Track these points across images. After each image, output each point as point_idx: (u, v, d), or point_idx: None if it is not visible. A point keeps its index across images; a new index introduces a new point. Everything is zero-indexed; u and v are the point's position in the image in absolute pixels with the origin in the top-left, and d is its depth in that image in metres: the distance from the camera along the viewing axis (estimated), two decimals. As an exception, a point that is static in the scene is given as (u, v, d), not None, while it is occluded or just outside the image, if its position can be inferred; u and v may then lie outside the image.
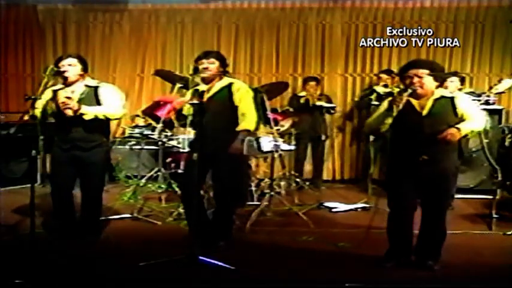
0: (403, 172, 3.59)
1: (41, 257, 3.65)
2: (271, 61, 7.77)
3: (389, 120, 3.50)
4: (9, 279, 3.26)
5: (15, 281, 3.24)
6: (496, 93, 5.39)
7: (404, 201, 3.65)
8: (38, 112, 3.94)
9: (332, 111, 7.10)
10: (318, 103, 6.85)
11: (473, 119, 3.51)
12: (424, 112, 3.52)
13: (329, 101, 7.13)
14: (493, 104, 6.35)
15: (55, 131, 4.13)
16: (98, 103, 4.08)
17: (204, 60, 4.02)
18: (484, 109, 5.87)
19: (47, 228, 4.22)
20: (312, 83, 7.00)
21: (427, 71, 3.50)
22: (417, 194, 3.64)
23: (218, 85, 4.06)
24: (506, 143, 6.29)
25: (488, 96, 5.33)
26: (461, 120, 3.49)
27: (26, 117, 3.94)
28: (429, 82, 3.50)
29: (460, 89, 5.56)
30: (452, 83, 5.50)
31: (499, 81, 5.30)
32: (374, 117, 3.67)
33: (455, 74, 5.70)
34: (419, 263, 3.68)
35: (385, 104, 3.62)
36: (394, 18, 7.54)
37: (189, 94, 4.17)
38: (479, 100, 5.25)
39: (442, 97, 3.55)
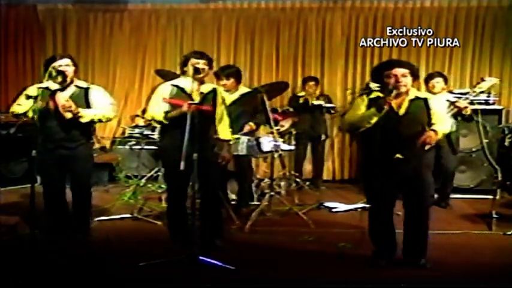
0: (379, 171, 3.58)
1: (41, 257, 3.65)
2: (271, 61, 7.78)
3: (374, 120, 3.50)
4: (9, 279, 3.26)
5: (15, 281, 3.24)
6: (480, 92, 5.42)
7: (384, 200, 3.66)
8: (22, 110, 4.05)
9: (332, 112, 7.10)
10: (316, 102, 6.85)
11: (443, 122, 3.64)
12: (401, 112, 3.56)
13: (329, 100, 7.13)
14: (493, 104, 6.36)
15: (39, 130, 4.10)
16: (88, 104, 4.12)
17: (200, 61, 4.00)
18: (484, 109, 5.93)
19: (42, 228, 4.20)
20: (311, 83, 6.99)
21: (409, 71, 3.57)
22: (396, 192, 3.68)
23: (204, 88, 4.03)
24: (506, 143, 6.30)
25: (473, 94, 5.33)
26: (431, 121, 3.58)
27: (25, 118, 3.99)
28: (410, 82, 3.58)
29: (443, 89, 5.58)
30: (438, 83, 5.50)
31: (482, 79, 5.32)
32: (357, 115, 3.62)
33: (439, 74, 5.69)
34: (408, 262, 3.70)
35: (364, 102, 3.63)
36: (394, 18, 7.55)
37: (167, 90, 4.04)
38: (464, 98, 5.26)
39: (417, 98, 3.62)
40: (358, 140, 7.32)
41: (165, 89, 4.06)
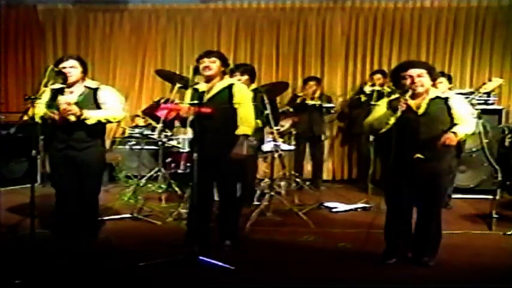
0: (398, 171, 3.61)
1: (41, 257, 3.65)
2: (271, 61, 7.78)
3: (392, 121, 3.53)
4: (9, 279, 3.26)
5: (15, 281, 3.24)
6: (484, 93, 5.42)
7: (401, 200, 3.68)
8: (38, 113, 3.91)
9: (332, 112, 7.10)
10: (311, 102, 6.85)
11: (466, 122, 3.58)
12: (420, 111, 3.57)
13: (329, 100, 7.13)
14: (493, 104, 6.36)
15: (52, 130, 4.10)
16: (97, 105, 4.08)
17: (205, 59, 4.02)
18: (484, 109, 5.93)
19: (47, 228, 4.21)
20: (312, 83, 7.00)
21: (425, 71, 3.58)
22: (413, 192, 3.68)
23: (219, 85, 4.05)
24: (506, 143, 6.30)
25: (476, 94, 5.34)
26: (453, 121, 3.56)
27: (26, 117, 3.94)
28: (427, 82, 3.58)
29: (449, 88, 5.57)
30: (442, 83, 5.47)
31: (489, 80, 5.33)
32: (376, 117, 3.67)
33: (442, 74, 5.68)
34: (416, 260, 3.72)
35: (384, 104, 3.67)
36: (394, 18, 7.55)
37: (188, 94, 4.17)
38: (470, 99, 5.27)
39: (437, 97, 3.62)
40: (361, 141, 7.34)
41: (188, 93, 4.17)
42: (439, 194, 3.71)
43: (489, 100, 6.30)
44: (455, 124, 3.56)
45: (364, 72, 7.62)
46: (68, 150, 4.06)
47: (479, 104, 6.01)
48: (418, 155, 3.53)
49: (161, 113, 5.38)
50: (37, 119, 3.90)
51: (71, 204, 4.18)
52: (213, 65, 4.01)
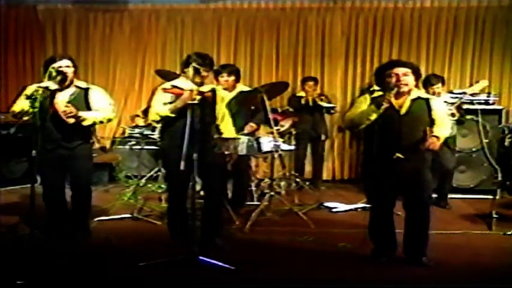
0: (380, 170, 3.61)
1: (41, 257, 3.65)
2: (271, 61, 7.78)
3: (373, 117, 3.53)
4: (9, 279, 3.26)
5: (16, 281, 3.24)
6: (471, 94, 5.47)
7: (383, 199, 3.70)
8: (19, 108, 3.99)
9: (332, 112, 7.11)
10: (320, 103, 6.85)
11: (444, 125, 3.64)
12: (402, 111, 3.59)
13: (328, 101, 7.13)
14: (493, 104, 6.37)
15: (38, 130, 4.08)
16: (87, 105, 4.12)
17: (202, 68, 3.95)
18: (484, 109, 5.93)
19: (42, 228, 4.20)
20: (310, 83, 7.00)
21: (410, 70, 3.61)
22: (396, 191, 3.70)
23: (203, 89, 4.04)
24: (506, 143, 6.31)
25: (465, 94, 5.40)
26: (433, 122, 3.60)
27: (26, 118, 3.97)
28: (411, 81, 3.61)
29: (443, 89, 5.58)
30: (438, 89, 5.47)
31: (477, 82, 5.36)
32: (357, 112, 3.66)
33: (435, 76, 5.66)
34: (410, 260, 3.72)
35: (367, 100, 3.67)
36: (394, 18, 7.55)
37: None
38: (460, 99, 5.31)
39: (419, 98, 3.66)
40: (361, 139, 7.35)
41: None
42: (424, 191, 3.69)
43: (489, 100, 6.31)
44: (435, 126, 3.59)
45: (364, 72, 7.63)
46: (58, 149, 4.09)
47: (479, 103, 6.03)
48: (398, 155, 3.55)
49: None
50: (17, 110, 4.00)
51: (63, 202, 4.22)
52: (207, 73, 4.05)
